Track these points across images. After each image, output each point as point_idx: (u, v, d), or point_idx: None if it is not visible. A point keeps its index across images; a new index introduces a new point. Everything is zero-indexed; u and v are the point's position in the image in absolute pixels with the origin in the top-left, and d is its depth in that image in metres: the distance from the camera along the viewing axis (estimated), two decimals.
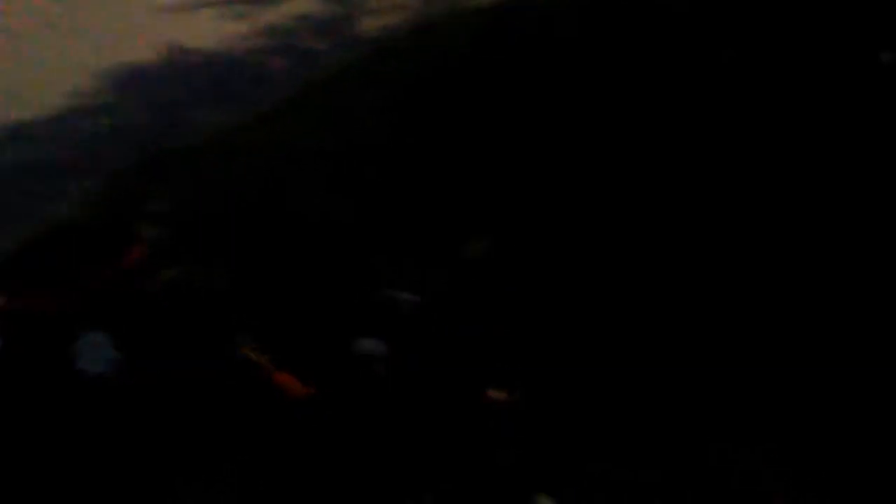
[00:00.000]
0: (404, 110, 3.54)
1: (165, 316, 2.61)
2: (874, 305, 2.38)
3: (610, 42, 3.72)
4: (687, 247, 2.69)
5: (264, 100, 3.83)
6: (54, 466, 2.21)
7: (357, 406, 2.31)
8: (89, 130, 3.76)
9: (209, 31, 4.46)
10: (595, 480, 2.09)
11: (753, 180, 2.86)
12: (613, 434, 2.22)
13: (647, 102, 3.28)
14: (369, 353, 2.39)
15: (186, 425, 2.30)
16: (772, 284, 2.50)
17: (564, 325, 2.53)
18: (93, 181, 3.37)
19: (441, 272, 2.70)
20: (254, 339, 2.48)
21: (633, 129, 3.19)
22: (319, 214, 3.00)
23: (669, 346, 2.43)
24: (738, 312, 2.46)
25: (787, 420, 2.14)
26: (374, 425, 2.26)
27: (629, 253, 2.74)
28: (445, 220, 2.94)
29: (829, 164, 2.83)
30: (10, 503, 2.16)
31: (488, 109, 3.45)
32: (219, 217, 3.02)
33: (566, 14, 4.05)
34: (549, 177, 3.08)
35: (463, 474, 2.14)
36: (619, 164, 3.06)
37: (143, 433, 2.29)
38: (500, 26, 4.14)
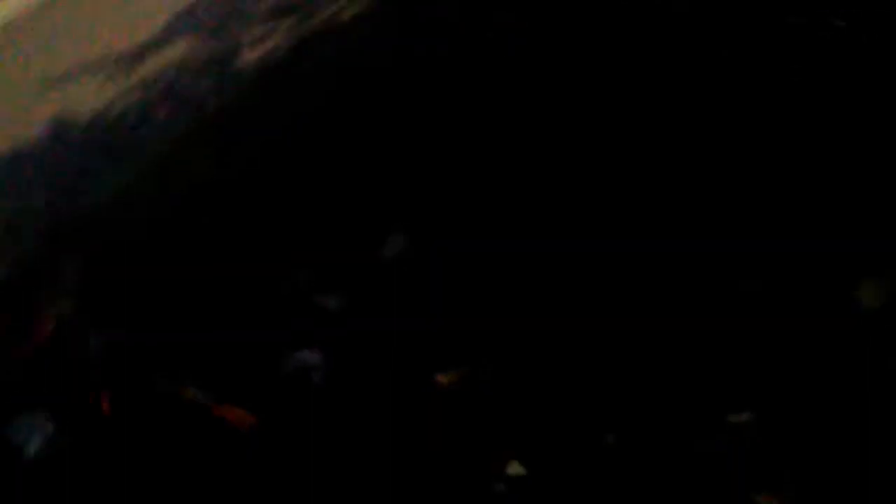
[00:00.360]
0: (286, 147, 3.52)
1: (96, 381, 2.54)
2: None
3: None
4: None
5: (152, 150, 3.80)
6: None
7: (303, 425, 2.27)
8: None
9: (94, 94, 4.40)
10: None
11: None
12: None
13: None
14: (305, 366, 2.35)
15: (138, 491, 2.23)
16: None
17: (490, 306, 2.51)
18: None
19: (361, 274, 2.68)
20: (191, 381, 2.43)
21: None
22: (226, 248, 2.96)
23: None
24: None
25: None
26: (324, 440, 2.22)
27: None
28: (355, 231, 2.92)
29: None
30: None
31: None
32: (129, 273, 2.97)
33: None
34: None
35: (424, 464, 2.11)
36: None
37: None
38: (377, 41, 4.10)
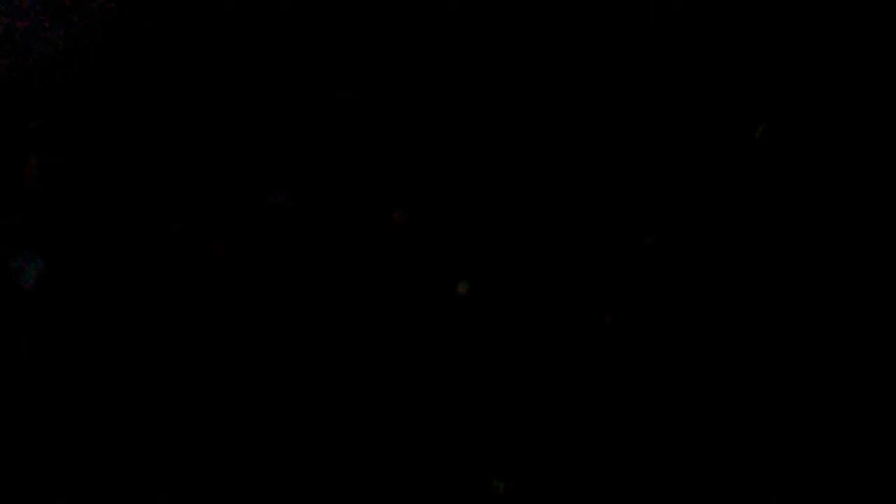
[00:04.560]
0: None
1: (84, 221, 2.80)
2: None
3: None
4: None
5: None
6: None
7: (276, 253, 2.60)
8: None
9: None
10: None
11: None
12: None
13: None
14: (278, 205, 2.67)
15: (120, 313, 2.53)
16: None
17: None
18: None
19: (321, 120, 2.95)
20: (174, 216, 2.71)
21: None
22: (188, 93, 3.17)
23: None
24: None
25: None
26: (294, 264, 2.56)
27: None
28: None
29: None
30: None
31: None
32: (95, 118, 3.15)
33: None
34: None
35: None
36: None
37: (78, 332, 2.52)
38: None
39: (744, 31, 2.86)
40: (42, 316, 2.60)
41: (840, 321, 2.18)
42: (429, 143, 2.84)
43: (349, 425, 2.21)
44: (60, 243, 2.74)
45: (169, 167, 2.88)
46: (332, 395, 2.28)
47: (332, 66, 3.16)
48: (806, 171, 2.53)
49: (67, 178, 2.90)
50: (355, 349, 2.36)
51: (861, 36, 2.76)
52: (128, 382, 2.37)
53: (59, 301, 2.61)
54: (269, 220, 2.65)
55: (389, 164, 2.78)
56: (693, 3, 2.91)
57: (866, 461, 1.98)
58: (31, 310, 2.61)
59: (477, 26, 3.18)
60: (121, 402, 2.33)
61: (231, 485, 2.15)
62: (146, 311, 2.52)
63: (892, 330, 2.12)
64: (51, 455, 2.23)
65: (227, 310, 2.50)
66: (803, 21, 2.82)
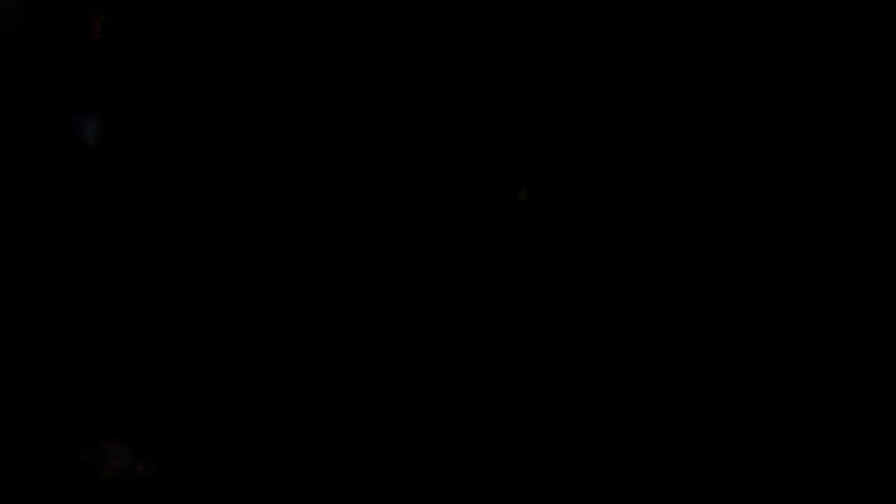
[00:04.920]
0: None
1: (144, 85, 2.78)
2: None
3: None
4: None
5: None
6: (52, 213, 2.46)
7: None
8: None
9: None
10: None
11: None
12: None
13: None
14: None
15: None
16: None
17: None
18: None
19: None
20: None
21: None
22: None
23: None
24: None
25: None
26: None
27: None
28: None
29: None
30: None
31: None
32: None
33: None
34: None
35: None
36: None
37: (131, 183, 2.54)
38: None
39: None
40: (104, 171, 2.62)
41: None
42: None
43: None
44: (119, 104, 2.74)
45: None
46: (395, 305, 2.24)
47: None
48: None
49: (131, 39, 2.87)
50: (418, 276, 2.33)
51: None
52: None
53: (118, 158, 2.63)
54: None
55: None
56: None
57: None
58: (94, 164, 2.64)
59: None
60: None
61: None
62: (197, 183, 2.51)
63: None
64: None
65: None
66: None
